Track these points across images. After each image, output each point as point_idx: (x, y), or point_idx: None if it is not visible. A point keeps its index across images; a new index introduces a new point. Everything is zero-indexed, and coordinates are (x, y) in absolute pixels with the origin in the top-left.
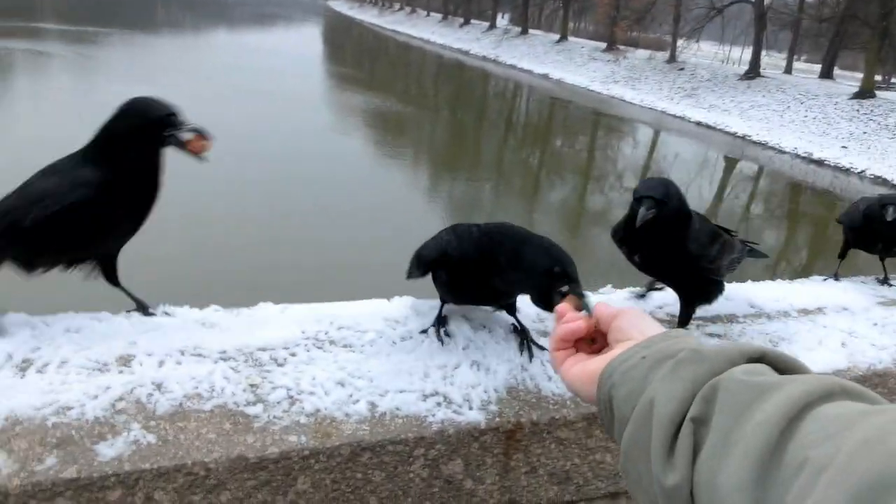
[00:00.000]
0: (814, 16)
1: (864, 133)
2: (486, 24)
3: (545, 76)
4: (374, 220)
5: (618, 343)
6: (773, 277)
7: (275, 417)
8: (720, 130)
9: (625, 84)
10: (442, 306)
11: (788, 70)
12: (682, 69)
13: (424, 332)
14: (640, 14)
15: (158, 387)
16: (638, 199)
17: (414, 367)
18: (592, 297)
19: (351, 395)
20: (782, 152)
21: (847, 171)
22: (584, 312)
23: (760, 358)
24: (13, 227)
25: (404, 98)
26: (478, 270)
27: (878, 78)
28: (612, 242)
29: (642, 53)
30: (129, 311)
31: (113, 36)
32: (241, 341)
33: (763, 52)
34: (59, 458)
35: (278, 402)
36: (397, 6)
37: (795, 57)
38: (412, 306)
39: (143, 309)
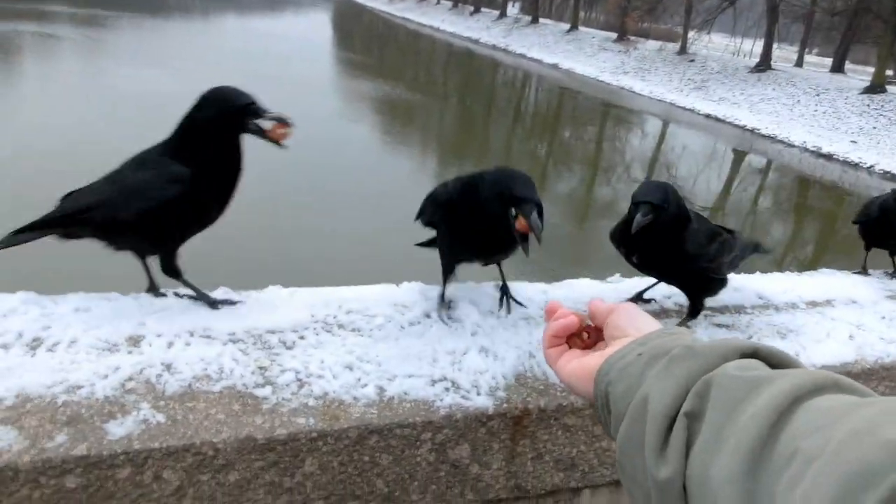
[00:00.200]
0: (826, 8)
1: (875, 128)
2: (497, 12)
3: (555, 66)
4: (382, 206)
5: (614, 340)
6: (781, 270)
7: (283, 399)
8: (729, 123)
9: (634, 75)
10: (444, 284)
11: (800, 63)
12: (692, 61)
13: (442, 300)
14: (652, 4)
15: (168, 367)
16: (635, 205)
17: (422, 352)
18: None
19: (359, 379)
20: (791, 146)
21: (856, 165)
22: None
23: (753, 354)
24: (114, 219)
25: (413, 86)
26: (463, 217)
27: (889, 73)
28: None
29: (653, 44)
30: (180, 295)
31: (122, 19)
32: (250, 324)
33: (774, 45)
34: (68, 435)
35: (287, 385)
36: None
37: (807, 50)
38: (421, 291)
39: (206, 299)
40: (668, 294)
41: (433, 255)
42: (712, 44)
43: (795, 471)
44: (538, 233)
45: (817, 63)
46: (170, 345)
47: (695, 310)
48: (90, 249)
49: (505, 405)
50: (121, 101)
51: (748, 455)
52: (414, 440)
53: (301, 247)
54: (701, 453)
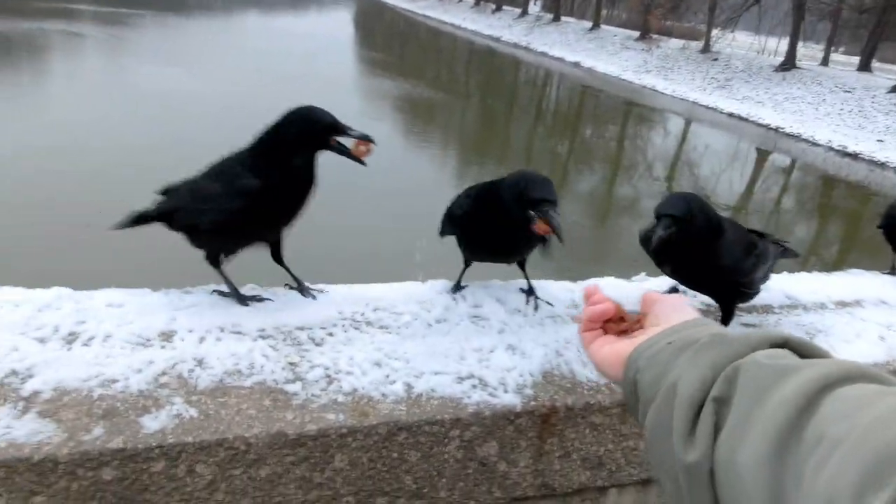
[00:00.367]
0: (854, 6)
1: None
2: (518, 10)
3: (577, 64)
4: (404, 205)
5: (652, 328)
6: (806, 270)
7: (313, 395)
8: (753, 122)
9: (657, 74)
10: (462, 273)
11: (826, 62)
12: (716, 59)
13: (458, 288)
14: (675, 2)
15: (199, 362)
16: (657, 218)
17: (450, 350)
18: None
19: (388, 376)
20: (816, 145)
21: (883, 165)
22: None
23: (784, 344)
24: (189, 225)
25: (435, 84)
26: (481, 224)
27: None
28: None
29: (676, 43)
30: (289, 287)
31: (146, 18)
32: (279, 320)
33: (800, 44)
34: (105, 428)
35: (316, 381)
36: None
37: (833, 48)
38: (446, 289)
39: (301, 289)
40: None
41: (455, 253)
42: (736, 42)
43: (822, 455)
44: (560, 232)
45: (844, 61)
46: (201, 340)
47: (727, 317)
48: (123, 246)
49: (532, 403)
50: (143, 100)
51: (776, 439)
52: (442, 437)
53: (319, 244)
54: (729, 438)
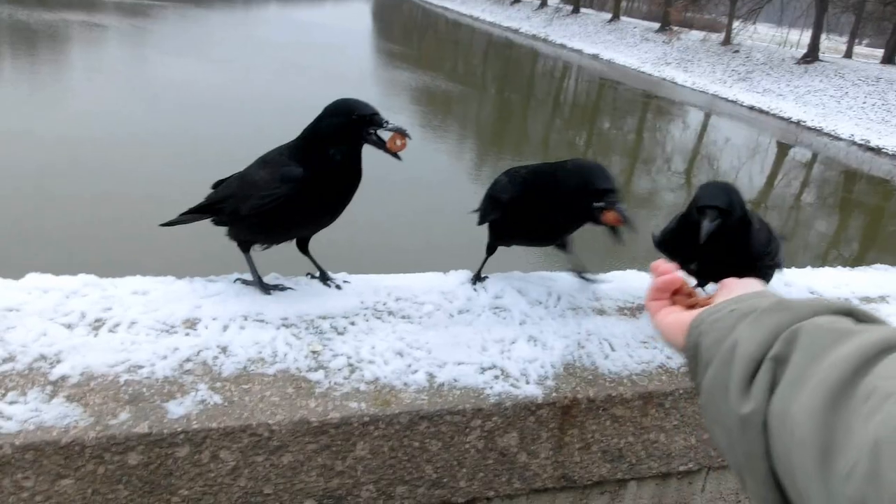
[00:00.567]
0: None
1: None
2: (538, 2)
3: (595, 56)
4: (424, 196)
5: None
6: (827, 265)
7: (336, 384)
8: (774, 115)
9: (677, 66)
10: (483, 262)
11: (849, 54)
12: (736, 52)
13: (478, 279)
14: None
15: (223, 350)
16: (700, 210)
17: (471, 340)
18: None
19: (409, 365)
20: (838, 139)
21: None
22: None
23: (847, 314)
24: (235, 213)
25: (452, 76)
26: (529, 207)
27: None
28: (660, 224)
29: (696, 35)
30: (311, 276)
31: (167, 9)
32: (301, 309)
33: (823, 36)
34: (131, 413)
35: (339, 370)
36: None
37: (857, 41)
38: (468, 280)
39: (324, 278)
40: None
41: (475, 243)
42: (758, 34)
43: (872, 405)
44: (631, 222)
45: (867, 54)
46: (225, 328)
47: None
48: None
49: (554, 394)
50: (162, 92)
51: (829, 392)
52: (463, 427)
53: (341, 235)
54: (784, 391)
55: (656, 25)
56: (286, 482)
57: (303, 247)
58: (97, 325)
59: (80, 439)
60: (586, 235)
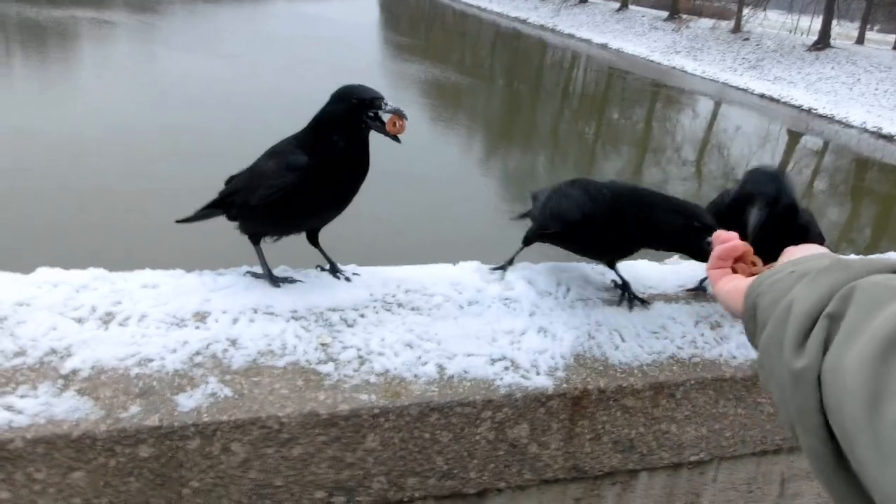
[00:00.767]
0: None
1: None
2: None
3: (604, 46)
4: (433, 190)
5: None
6: (843, 253)
7: (345, 376)
8: (784, 103)
9: (686, 54)
10: (516, 254)
11: (860, 41)
12: (746, 39)
13: (501, 267)
14: None
15: (233, 343)
16: (748, 197)
17: (481, 332)
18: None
19: (419, 357)
20: (850, 126)
21: None
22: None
23: None
24: (245, 204)
25: (460, 68)
26: (606, 229)
27: None
28: None
29: (706, 23)
30: (321, 269)
31: (175, 5)
32: (311, 301)
33: (834, 22)
34: (141, 406)
35: (349, 362)
36: None
37: (868, 27)
38: (477, 271)
39: (333, 270)
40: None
41: (482, 238)
42: (768, 21)
43: None
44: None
45: (879, 40)
46: (234, 321)
47: None
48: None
49: (564, 385)
50: (171, 88)
51: (882, 343)
52: (474, 418)
53: (350, 227)
54: (838, 345)
55: (665, 14)
56: (296, 474)
57: (313, 239)
58: (107, 318)
59: (91, 432)
60: None
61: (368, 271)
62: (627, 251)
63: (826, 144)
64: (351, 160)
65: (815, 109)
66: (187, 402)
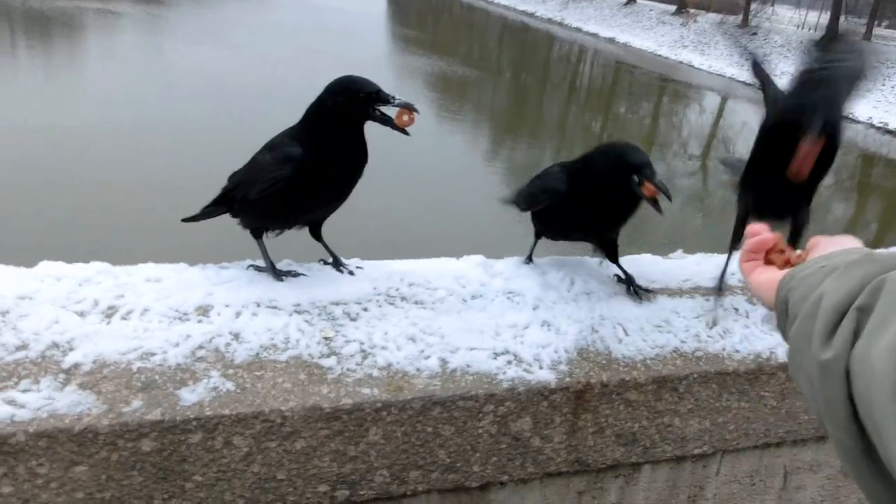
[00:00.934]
0: None
1: None
2: None
3: (611, 40)
4: (439, 183)
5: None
6: None
7: (348, 370)
8: None
9: (693, 49)
10: (533, 247)
11: (868, 36)
12: (754, 34)
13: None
14: None
15: (236, 337)
16: (799, 116)
17: (484, 326)
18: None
19: (422, 351)
20: (855, 121)
21: None
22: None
23: None
24: (245, 199)
25: (468, 61)
26: (570, 202)
27: None
28: (679, 209)
29: (713, 17)
30: (324, 263)
31: None
32: (314, 295)
33: (842, 17)
34: (144, 401)
35: (351, 356)
36: None
37: (876, 22)
38: (481, 264)
39: (336, 264)
40: (732, 271)
41: (489, 232)
42: (776, 16)
43: None
44: (668, 192)
45: (887, 35)
46: (237, 315)
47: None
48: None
49: (567, 379)
50: (177, 79)
51: None
52: (476, 412)
53: (354, 221)
54: (867, 337)
55: (672, 8)
56: (299, 468)
57: (315, 233)
58: (110, 312)
59: (94, 426)
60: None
61: (372, 265)
62: (608, 217)
63: None
64: (348, 151)
65: None
66: (190, 396)
